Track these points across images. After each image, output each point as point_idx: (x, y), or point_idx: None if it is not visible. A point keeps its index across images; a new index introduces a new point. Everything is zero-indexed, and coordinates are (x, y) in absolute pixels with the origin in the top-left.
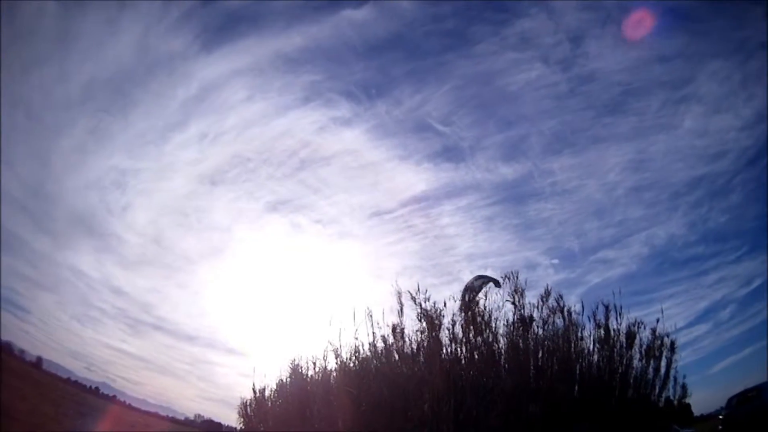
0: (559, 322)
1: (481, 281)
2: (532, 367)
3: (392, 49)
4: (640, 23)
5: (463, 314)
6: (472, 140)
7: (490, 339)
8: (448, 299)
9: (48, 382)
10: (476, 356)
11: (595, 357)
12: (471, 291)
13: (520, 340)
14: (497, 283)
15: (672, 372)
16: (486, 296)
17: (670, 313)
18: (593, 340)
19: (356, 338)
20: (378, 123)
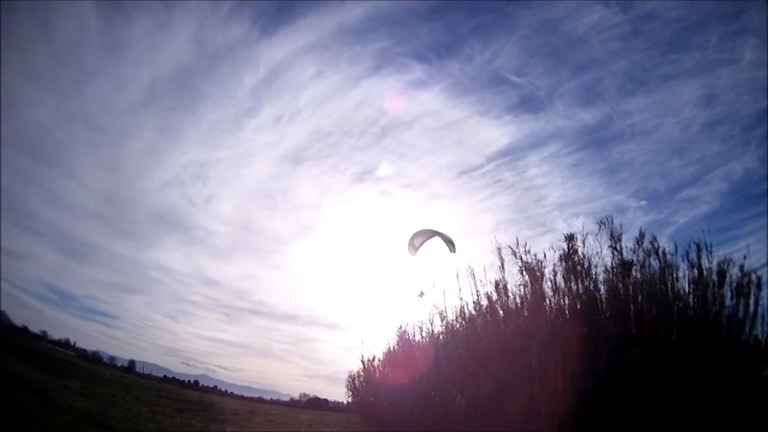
0: (654, 264)
1: (428, 235)
2: (632, 313)
3: (454, 8)
4: None
5: (564, 263)
6: (547, 88)
7: (591, 287)
8: (546, 250)
9: (141, 384)
10: (578, 305)
11: (691, 298)
12: (413, 246)
13: (620, 286)
14: (451, 245)
15: (760, 310)
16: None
17: (754, 249)
18: (688, 281)
19: (461, 298)
20: (453, 81)
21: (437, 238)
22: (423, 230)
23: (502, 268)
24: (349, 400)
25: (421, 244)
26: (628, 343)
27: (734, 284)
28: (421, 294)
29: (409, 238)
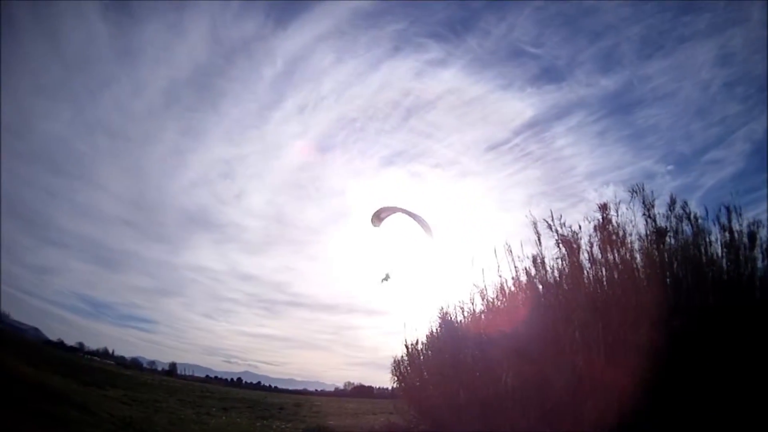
0: (687, 229)
1: (390, 212)
2: (668, 280)
3: None
4: None
5: (599, 234)
6: (566, 57)
7: (628, 256)
8: (581, 221)
9: (183, 386)
10: (615, 275)
11: (724, 262)
12: (377, 218)
13: (656, 253)
14: (424, 227)
15: None
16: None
17: None
18: (720, 245)
19: (500, 276)
20: (472, 57)
21: (406, 216)
22: (392, 207)
23: (539, 242)
24: (395, 385)
25: (386, 217)
26: (666, 311)
27: (765, 246)
28: (386, 277)
29: (375, 211)
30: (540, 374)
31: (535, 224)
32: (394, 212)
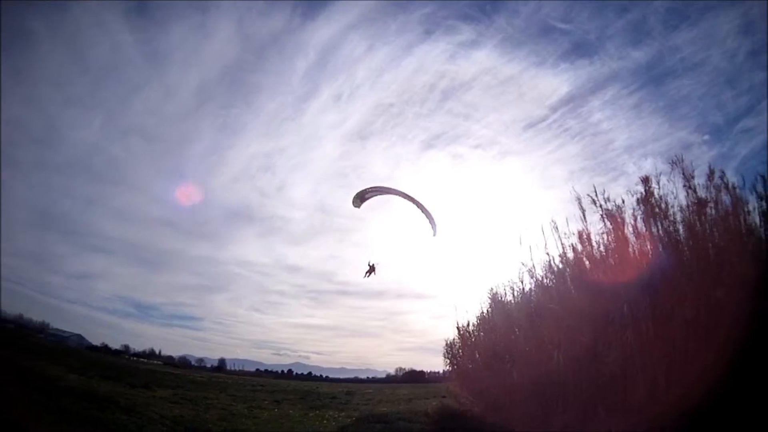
0: (726, 199)
1: (373, 193)
2: (710, 251)
3: None
4: None
5: (642, 206)
6: (596, 31)
7: (671, 228)
8: (623, 195)
9: (234, 382)
10: (659, 248)
11: (762, 231)
12: (360, 198)
13: (698, 225)
14: (425, 213)
15: None
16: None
17: None
18: (758, 214)
19: (547, 253)
20: (504, 36)
21: (391, 197)
22: (379, 188)
23: (584, 217)
24: (447, 368)
25: (370, 198)
26: (711, 281)
27: None
28: (372, 268)
29: (362, 190)
30: (591, 351)
31: (579, 200)
32: (381, 194)
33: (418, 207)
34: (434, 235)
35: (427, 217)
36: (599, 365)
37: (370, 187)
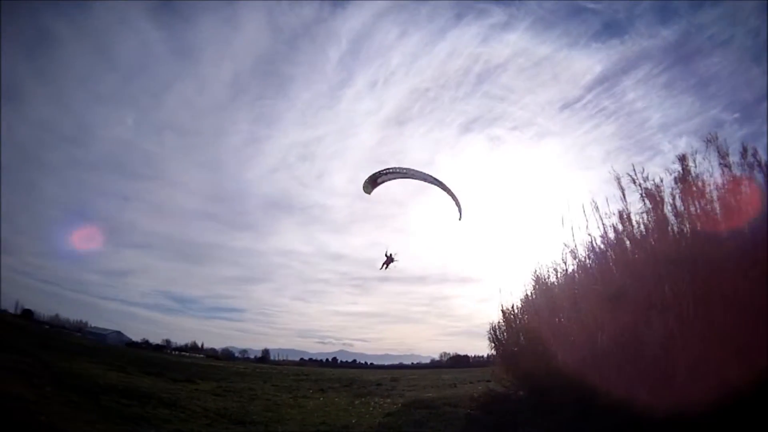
0: (759, 177)
1: (387, 176)
2: (746, 229)
3: None
4: None
5: (680, 185)
6: (624, 11)
7: (708, 207)
8: (661, 173)
9: (278, 372)
10: (698, 226)
11: None
12: (372, 183)
13: (734, 203)
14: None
15: None
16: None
17: None
18: None
19: (589, 234)
20: (535, 18)
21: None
22: (397, 169)
23: (623, 197)
24: (492, 352)
25: (383, 182)
26: (748, 261)
27: None
28: (389, 258)
29: (374, 173)
30: (633, 331)
31: (618, 179)
32: (397, 177)
33: (441, 188)
34: (460, 218)
35: (452, 198)
36: (642, 347)
37: (385, 169)
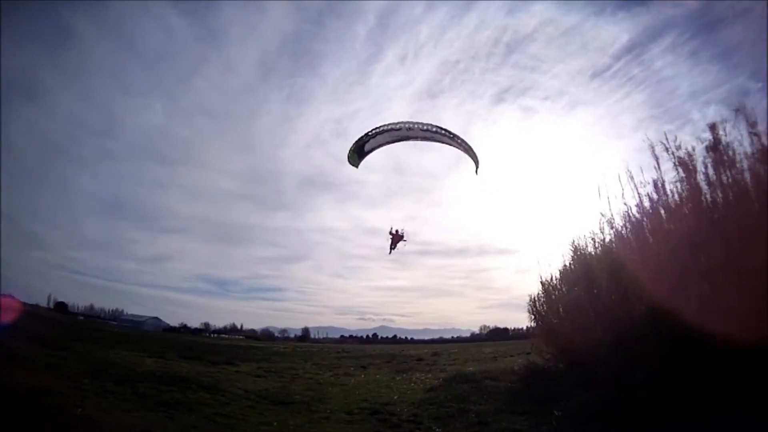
0: None
1: (376, 141)
2: None
3: None
4: None
5: (711, 154)
6: None
7: (739, 177)
8: (692, 142)
9: (318, 350)
10: (730, 196)
11: None
12: (358, 152)
13: (762, 172)
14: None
15: None
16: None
17: None
18: None
19: (624, 204)
20: None
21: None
22: (387, 128)
23: (657, 166)
24: (531, 324)
25: (372, 150)
26: None
27: None
28: (396, 235)
29: (359, 138)
30: (670, 301)
31: (652, 147)
32: (390, 140)
33: (451, 143)
34: (477, 172)
35: (466, 152)
36: (680, 316)
37: (372, 130)
